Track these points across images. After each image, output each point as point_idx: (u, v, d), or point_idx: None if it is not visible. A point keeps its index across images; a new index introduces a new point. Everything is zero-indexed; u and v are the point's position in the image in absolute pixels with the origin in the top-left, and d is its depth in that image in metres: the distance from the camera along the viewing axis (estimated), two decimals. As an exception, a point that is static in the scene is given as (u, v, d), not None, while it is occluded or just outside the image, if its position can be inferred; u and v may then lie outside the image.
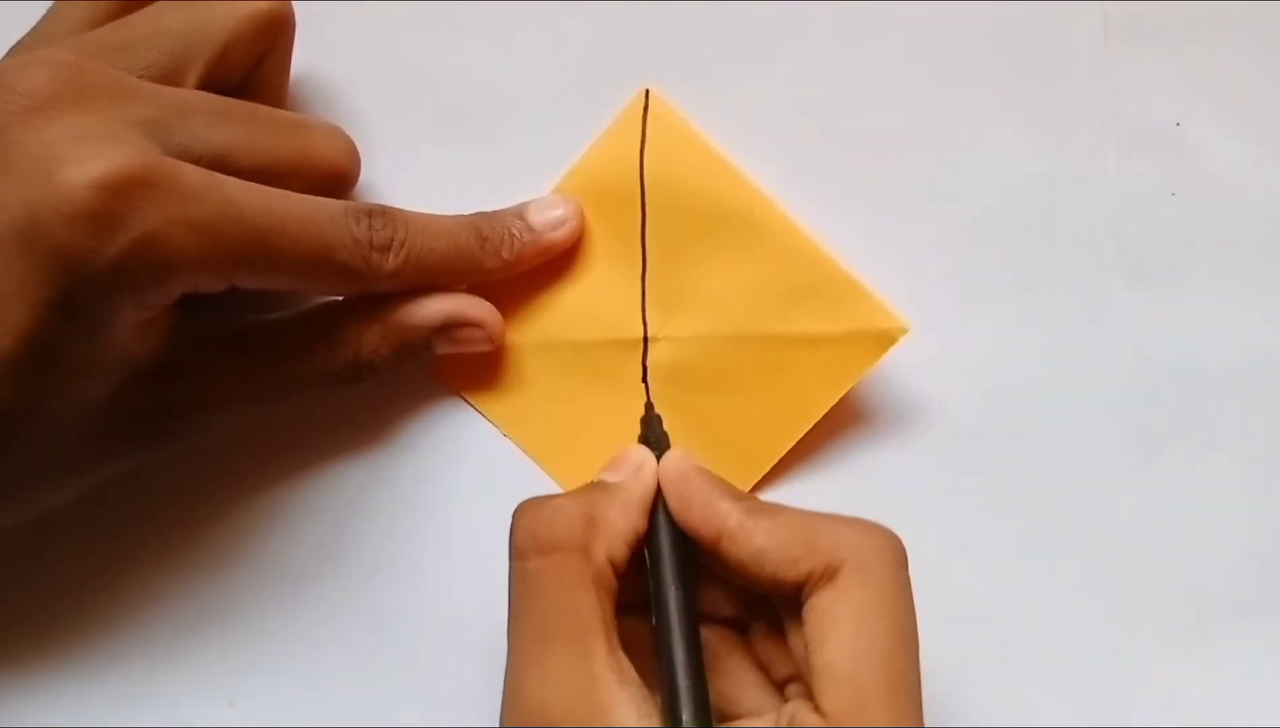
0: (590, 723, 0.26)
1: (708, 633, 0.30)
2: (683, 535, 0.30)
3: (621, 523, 0.29)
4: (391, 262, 0.31)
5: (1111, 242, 0.36)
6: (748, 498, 0.30)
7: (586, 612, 0.28)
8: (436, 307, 0.33)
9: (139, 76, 0.29)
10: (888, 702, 0.26)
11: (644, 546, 0.30)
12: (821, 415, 0.34)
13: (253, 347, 0.33)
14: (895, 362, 0.34)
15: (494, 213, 0.34)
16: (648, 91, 0.35)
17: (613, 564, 0.29)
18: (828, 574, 0.28)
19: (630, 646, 0.28)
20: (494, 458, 0.35)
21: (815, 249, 0.34)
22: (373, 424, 0.36)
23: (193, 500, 0.36)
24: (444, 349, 0.34)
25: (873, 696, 0.26)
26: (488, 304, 0.34)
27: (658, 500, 0.30)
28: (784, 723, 0.28)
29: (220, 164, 0.29)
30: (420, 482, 0.36)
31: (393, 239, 0.31)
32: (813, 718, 0.27)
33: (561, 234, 0.34)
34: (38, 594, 0.36)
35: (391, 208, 0.32)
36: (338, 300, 0.33)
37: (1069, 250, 0.36)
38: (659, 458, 0.31)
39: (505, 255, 0.33)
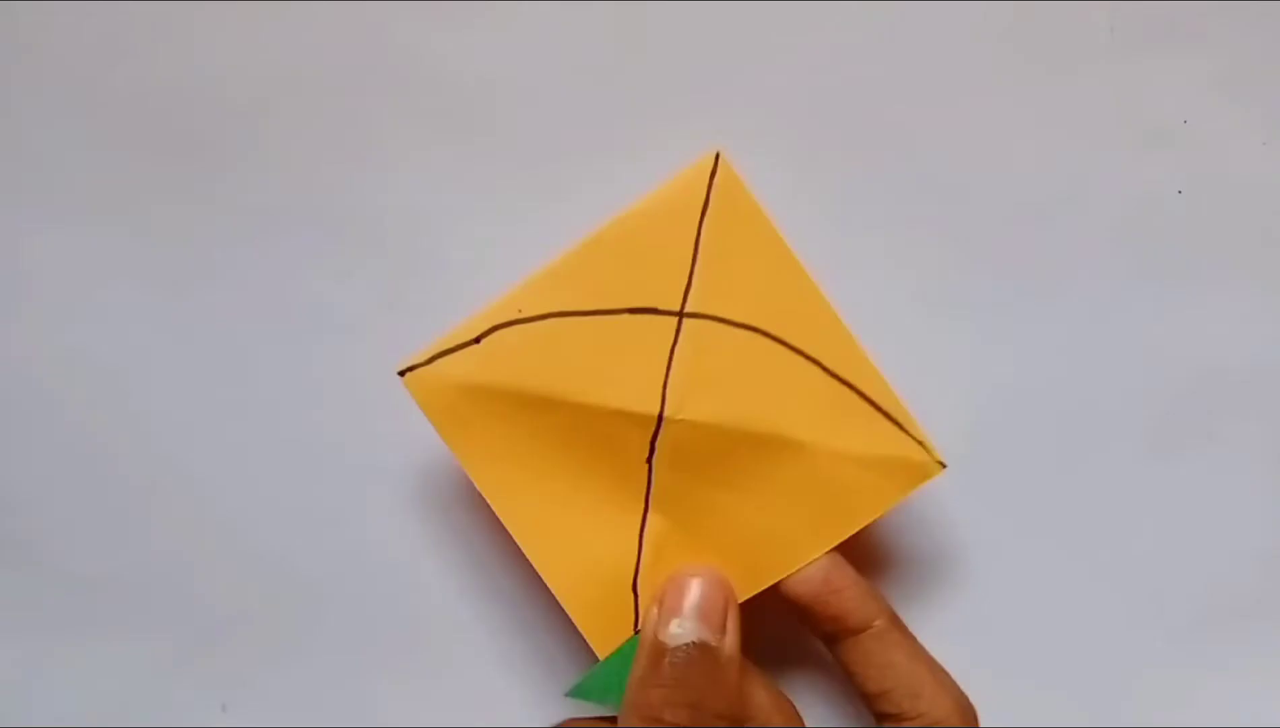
0: None
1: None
2: None
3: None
4: None
5: (1119, 240, 0.35)
6: None
7: None
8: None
9: None
10: None
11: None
12: (836, 543, 0.32)
13: None
14: (899, 362, 0.34)
15: None
16: (718, 156, 0.31)
17: None
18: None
19: None
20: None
21: (864, 362, 0.31)
22: (373, 427, 0.36)
23: (189, 501, 0.36)
24: None
25: None
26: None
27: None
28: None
29: None
30: (419, 479, 0.36)
31: None
32: None
33: None
34: (33, 596, 0.35)
35: None
36: None
37: (1077, 249, 0.35)
38: None
39: None
